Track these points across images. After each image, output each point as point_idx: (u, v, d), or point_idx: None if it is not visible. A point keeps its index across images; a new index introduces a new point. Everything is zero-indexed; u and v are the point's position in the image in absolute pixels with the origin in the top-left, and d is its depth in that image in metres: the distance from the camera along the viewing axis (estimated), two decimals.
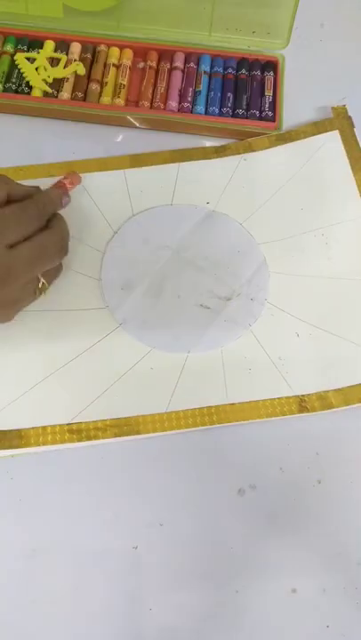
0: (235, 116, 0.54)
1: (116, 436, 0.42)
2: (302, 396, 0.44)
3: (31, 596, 0.39)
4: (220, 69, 0.56)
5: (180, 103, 0.54)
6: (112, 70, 0.55)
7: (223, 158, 0.53)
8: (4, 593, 0.39)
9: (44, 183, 0.47)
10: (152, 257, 0.49)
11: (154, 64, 0.56)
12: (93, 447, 0.42)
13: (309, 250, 0.50)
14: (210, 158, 0.53)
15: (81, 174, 0.50)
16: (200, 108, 0.54)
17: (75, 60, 0.55)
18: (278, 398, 0.44)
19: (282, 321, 0.47)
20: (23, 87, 0.54)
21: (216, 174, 0.52)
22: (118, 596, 0.39)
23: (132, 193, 0.51)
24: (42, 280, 0.42)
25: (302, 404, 0.44)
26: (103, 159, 0.52)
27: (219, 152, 0.53)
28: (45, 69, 0.54)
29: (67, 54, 0.56)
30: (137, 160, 0.53)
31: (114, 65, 0.55)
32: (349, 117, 0.55)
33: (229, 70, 0.56)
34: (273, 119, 0.54)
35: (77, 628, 0.38)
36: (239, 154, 0.53)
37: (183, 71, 0.56)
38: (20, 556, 0.39)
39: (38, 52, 0.55)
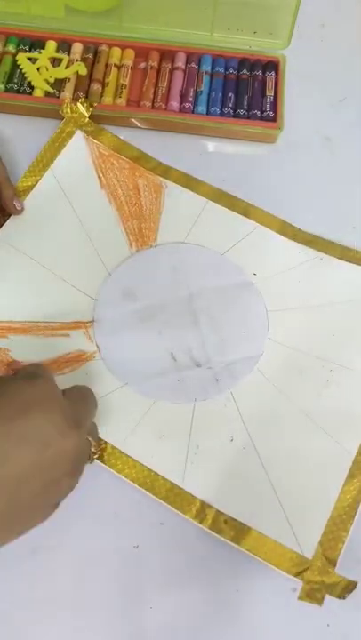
0: (236, 116, 0.54)
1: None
2: None
3: (32, 595, 0.39)
4: (222, 69, 0.56)
5: (181, 103, 0.54)
6: (113, 70, 0.55)
7: (303, 246, 0.50)
8: (5, 592, 0.39)
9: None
10: (169, 285, 0.48)
11: (155, 64, 0.56)
12: None
13: (308, 373, 0.45)
14: (287, 236, 0.50)
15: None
16: (201, 108, 0.54)
17: (76, 61, 0.55)
18: None
19: (224, 418, 0.44)
20: (25, 87, 0.54)
21: (284, 256, 0.50)
22: (119, 594, 0.39)
23: (199, 221, 0.51)
24: (92, 441, 0.36)
25: None
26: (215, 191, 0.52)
27: (301, 238, 0.50)
28: (47, 69, 0.54)
29: (68, 54, 0.56)
30: (219, 196, 0.52)
31: (115, 65, 0.55)
32: None
33: (231, 70, 0.56)
34: (274, 119, 0.54)
35: (78, 626, 0.38)
36: (318, 251, 0.50)
37: (185, 71, 0.56)
38: (20, 555, 0.39)
39: (40, 53, 0.55)
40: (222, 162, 0.54)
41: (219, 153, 0.55)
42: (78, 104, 0.52)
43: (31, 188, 0.51)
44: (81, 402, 0.36)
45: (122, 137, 0.54)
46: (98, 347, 0.46)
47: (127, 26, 0.56)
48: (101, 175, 0.52)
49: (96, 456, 0.38)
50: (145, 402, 0.44)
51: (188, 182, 0.52)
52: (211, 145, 0.55)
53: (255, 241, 0.50)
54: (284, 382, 0.45)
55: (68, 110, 0.53)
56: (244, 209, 0.51)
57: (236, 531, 0.40)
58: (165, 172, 0.52)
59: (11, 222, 0.49)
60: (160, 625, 0.38)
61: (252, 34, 0.56)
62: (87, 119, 0.53)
